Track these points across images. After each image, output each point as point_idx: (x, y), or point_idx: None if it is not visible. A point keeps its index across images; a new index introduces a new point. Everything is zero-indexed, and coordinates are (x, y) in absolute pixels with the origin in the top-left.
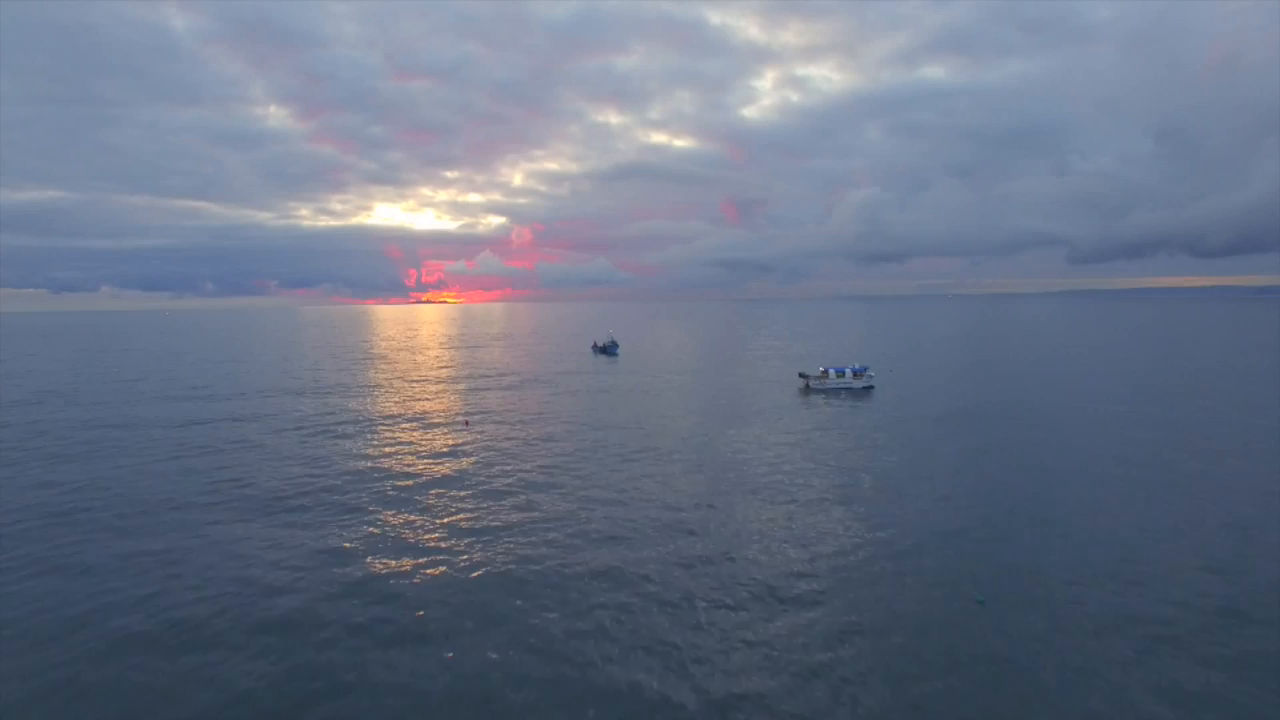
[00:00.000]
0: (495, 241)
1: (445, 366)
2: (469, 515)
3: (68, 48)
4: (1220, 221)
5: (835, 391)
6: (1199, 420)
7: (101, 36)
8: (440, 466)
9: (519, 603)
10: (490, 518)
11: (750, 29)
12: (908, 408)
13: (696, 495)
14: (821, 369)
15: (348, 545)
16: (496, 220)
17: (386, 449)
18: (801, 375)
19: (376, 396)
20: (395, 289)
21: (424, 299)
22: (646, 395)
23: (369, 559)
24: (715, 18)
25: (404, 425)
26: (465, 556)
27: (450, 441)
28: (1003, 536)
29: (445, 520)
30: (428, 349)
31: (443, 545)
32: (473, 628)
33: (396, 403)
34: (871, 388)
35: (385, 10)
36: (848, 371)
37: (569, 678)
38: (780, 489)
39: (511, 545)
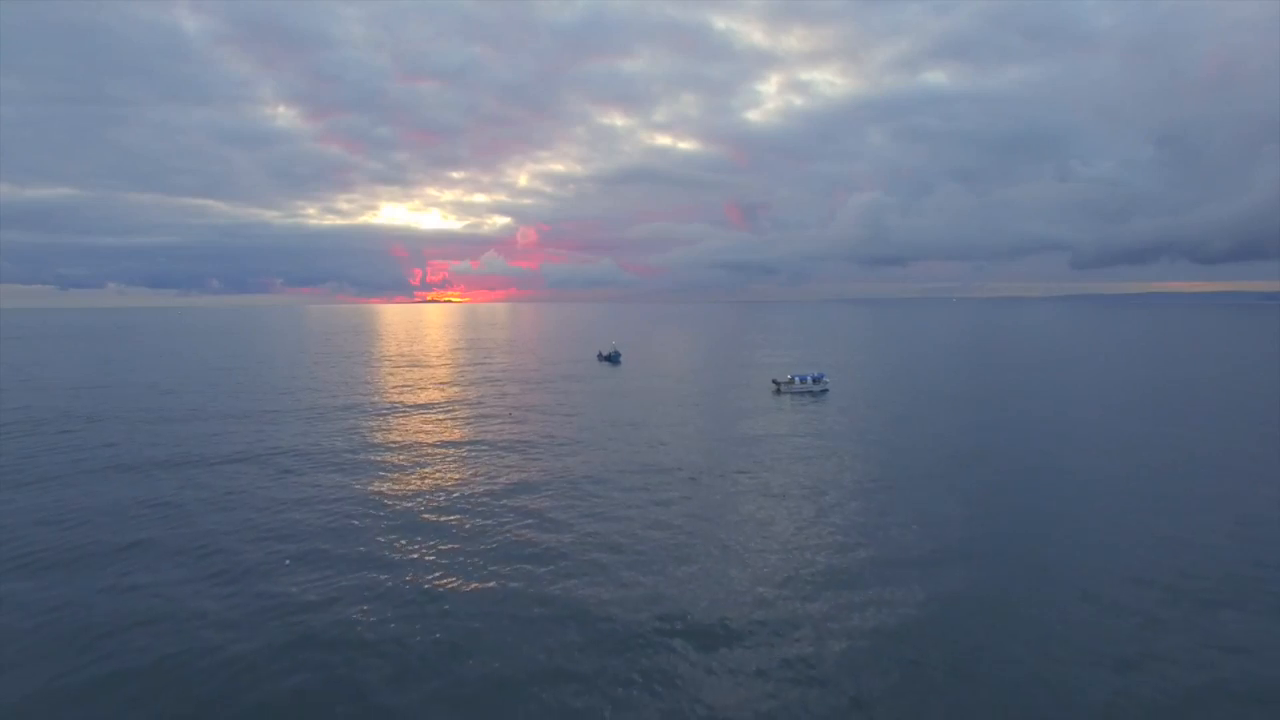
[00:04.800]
0: (500, 242)
1: (463, 374)
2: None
3: (80, 48)
4: (1221, 227)
5: (799, 394)
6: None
7: (114, 37)
8: (484, 460)
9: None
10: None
11: (754, 34)
12: (854, 404)
13: (692, 470)
14: (789, 376)
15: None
16: (502, 221)
17: (451, 463)
18: (774, 381)
19: (423, 411)
20: (400, 288)
21: (429, 298)
22: (646, 398)
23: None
24: (720, 22)
25: (453, 428)
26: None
27: (493, 436)
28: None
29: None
30: (442, 355)
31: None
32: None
33: (447, 415)
34: (826, 390)
35: (393, 13)
36: (809, 378)
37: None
38: (752, 458)
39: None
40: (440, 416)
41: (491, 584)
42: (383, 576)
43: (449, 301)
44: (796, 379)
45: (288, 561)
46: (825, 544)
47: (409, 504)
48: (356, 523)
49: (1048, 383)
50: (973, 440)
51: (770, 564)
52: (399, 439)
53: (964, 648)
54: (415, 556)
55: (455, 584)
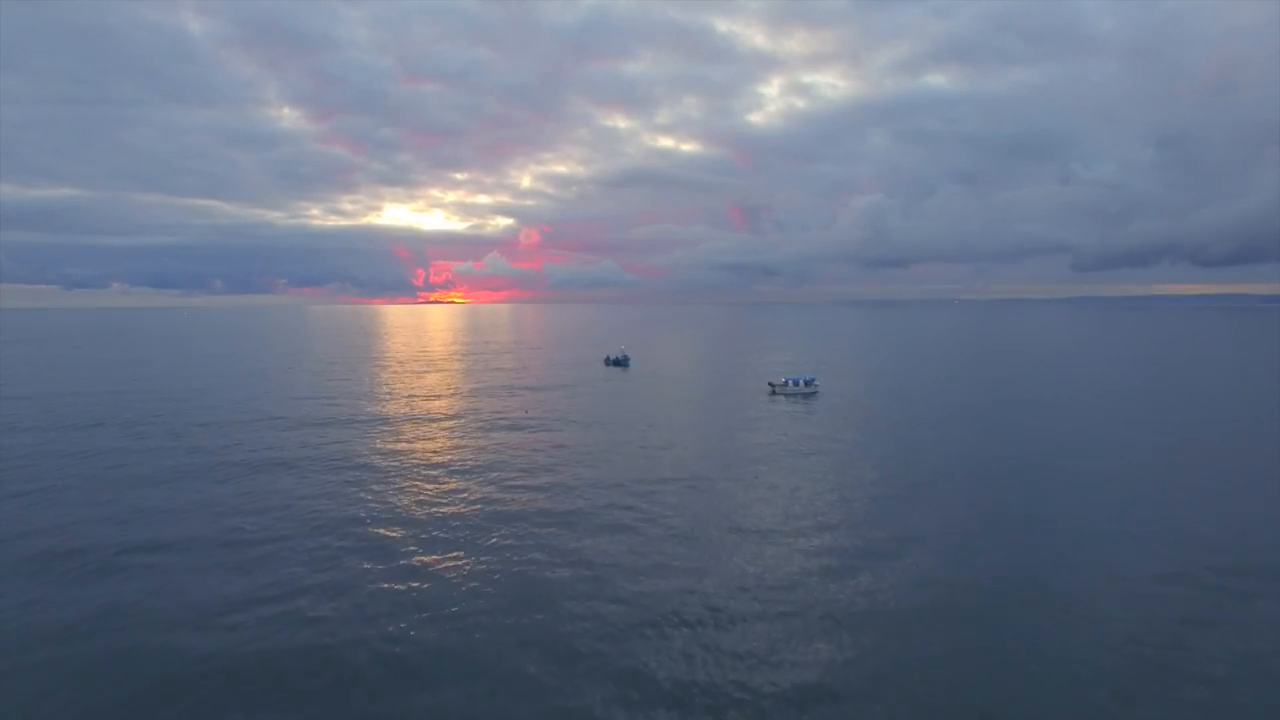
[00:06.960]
0: (503, 243)
1: (475, 379)
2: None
3: (85, 50)
4: (1222, 231)
5: (792, 395)
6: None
7: (119, 39)
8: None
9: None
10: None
11: (756, 37)
12: (842, 404)
13: (694, 462)
14: (783, 379)
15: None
16: (504, 222)
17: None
18: (770, 384)
19: (442, 416)
20: (403, 289)
21: (432, 299)
22: (653, 402)
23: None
24: (722, 25)
25: (473, 428)
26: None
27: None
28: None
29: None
30: (450, 358)
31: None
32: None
33: (470, 422)
34: (817, 392)
35: (396, 15)
36: (801, 381)
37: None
38: (751, 450)
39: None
40: (458, 421)
41: (526, 555)
42: (439, 559)
43: (452, 302)
44: (790, 381)
45: (348, 545)
46: (804, 534)
47: (440, 503)
48: (394, 521)
49: (1044, 381)
50: (954, 440)
51: (759, 554)
52: (423, 444)
53: (931, 621)
54: (454, 545)
55: (479, 566)
